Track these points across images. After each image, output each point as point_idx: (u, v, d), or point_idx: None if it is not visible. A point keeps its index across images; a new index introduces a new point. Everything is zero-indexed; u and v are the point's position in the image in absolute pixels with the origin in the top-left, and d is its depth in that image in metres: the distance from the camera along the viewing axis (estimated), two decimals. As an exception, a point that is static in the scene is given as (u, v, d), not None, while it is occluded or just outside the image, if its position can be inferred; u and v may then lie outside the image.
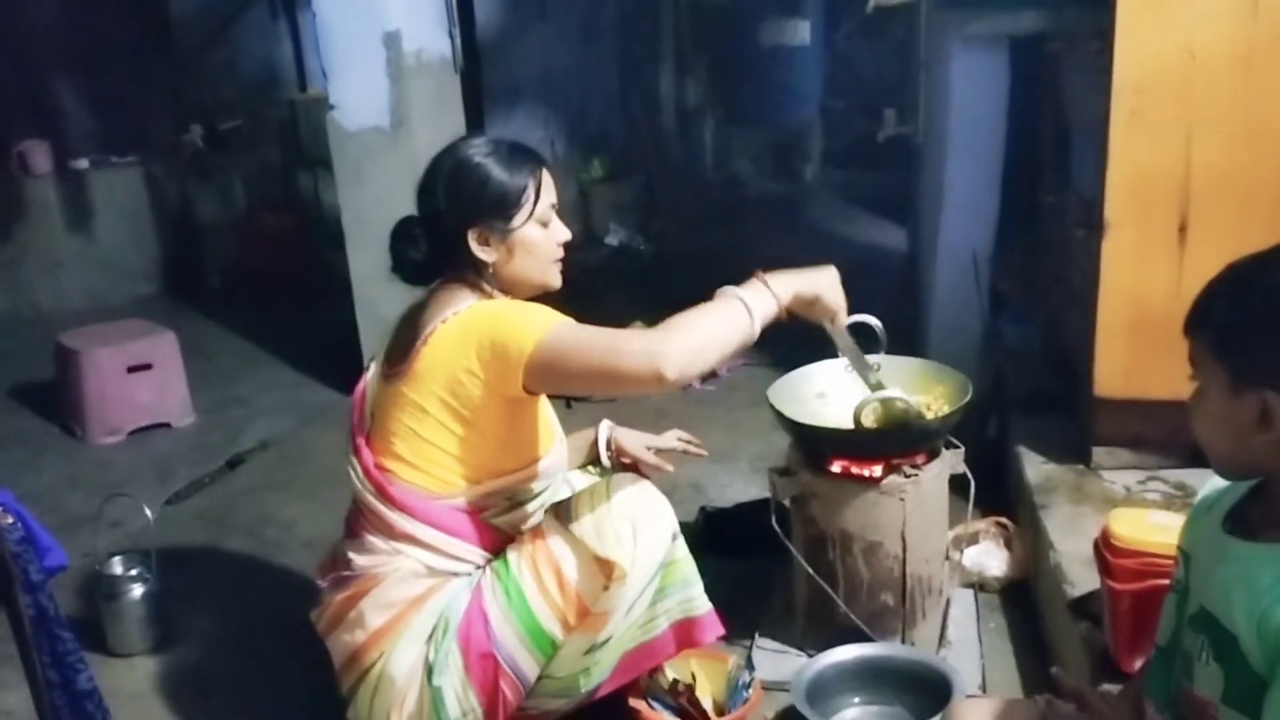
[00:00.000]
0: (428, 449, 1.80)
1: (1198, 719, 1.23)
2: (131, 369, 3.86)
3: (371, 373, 1.95)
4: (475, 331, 1.75)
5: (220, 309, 5.47)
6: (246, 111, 6.22)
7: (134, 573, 2.49)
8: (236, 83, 6.28)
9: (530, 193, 1.84)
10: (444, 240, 1.85)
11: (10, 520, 1.65)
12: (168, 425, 3.93)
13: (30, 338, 4.69)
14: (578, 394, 1.81)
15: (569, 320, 1.73)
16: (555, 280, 1.92)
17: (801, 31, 7.05)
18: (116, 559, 2.53)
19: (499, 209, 1.82)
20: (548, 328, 1.70)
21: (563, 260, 1.93)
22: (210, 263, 6.05)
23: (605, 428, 2.25)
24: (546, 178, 1.88)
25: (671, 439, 2.28)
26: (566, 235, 1.92)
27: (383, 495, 1.83)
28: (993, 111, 3.40)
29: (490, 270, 1.85)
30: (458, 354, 1.75)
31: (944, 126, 3.53)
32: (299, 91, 6.38)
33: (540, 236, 1.87)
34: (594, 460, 2.23)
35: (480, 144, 1.87)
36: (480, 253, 1.83)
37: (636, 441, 2.24)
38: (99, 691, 1.84)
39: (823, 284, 1.82)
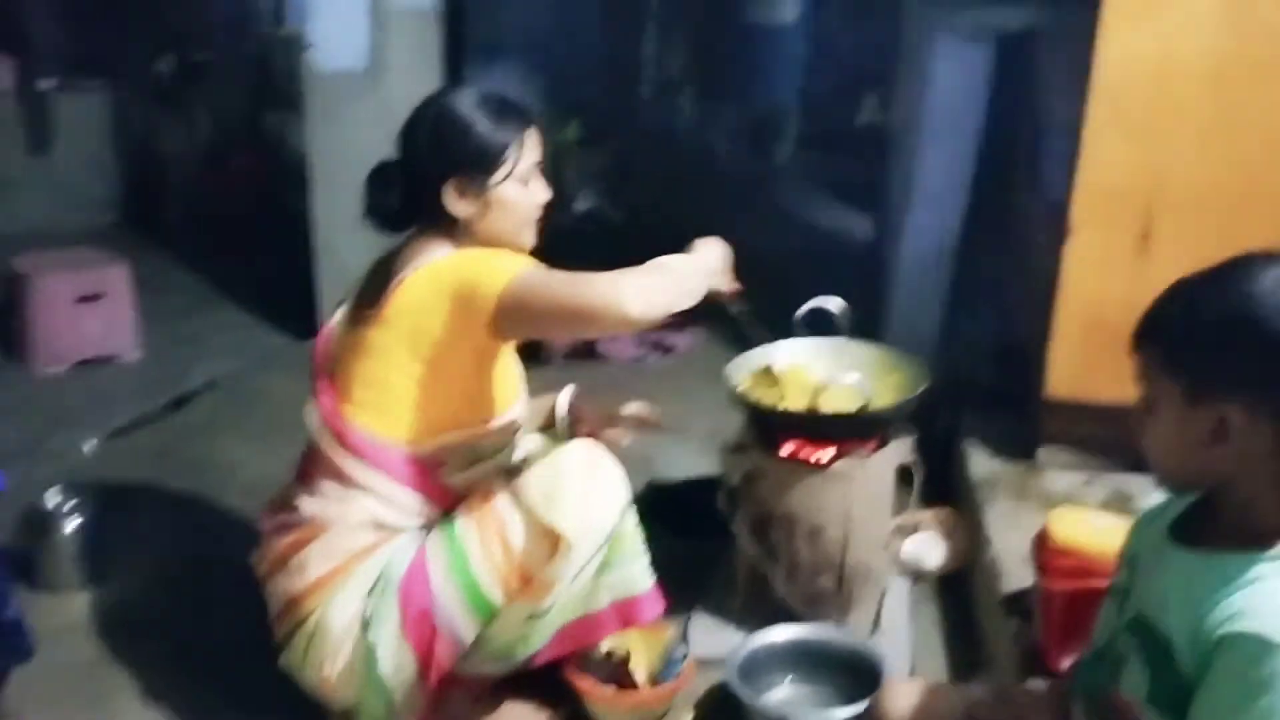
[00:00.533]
0: (391, 394, 1.79)
1: (1123, 718, 1.25)
2: (81, 299, 3.78)
3: (338, 317, 1.93)
4: (447, 276, 1.74)
5: (178, 243, 5.37)
6: (220, 45, 6.08)
7: (70, 506, 2.45)
8: (212, 14, 6.13)
9: (514, 149, 1.83)
10: (420, 188, 1.83)
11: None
12: (115, 358, 3.86)
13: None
14: (546, 337, 1.85)
15: (537, 263, 1.74)
16: (529, 240, 1.91)
17: (786, 10, 7.00)
18: (53, 491, 2.49)
19: (480, 163, 1.80)
20: (516, 270, 1.71)
21: (540, 221, 1.91)
22: (171, 196, 5.92)
23: (567, 393, 2.23)
24: (532, 135, 1.87)
25: (633, 408, 2.25)
26: (546, 195, 1.91)
27: (340, 439, 1.81)
28: (970, 106, 3.40)
29: (463, 224, 1.83)
30: (429, 299, 1.74)
31: (919, 118, 3.53)
32: (275, 28, 6.24)
33: (519, 195, 1.85)
34: (551, 424, 2.20)
35: (469, 94, 1.86)
36: (456, 206, 1.81)
37: (595, 411, 2.22)
38: (25, 624, 1.82)
39: (720, 256, 1.95)
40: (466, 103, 1.83)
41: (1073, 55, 2.52)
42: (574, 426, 2.20)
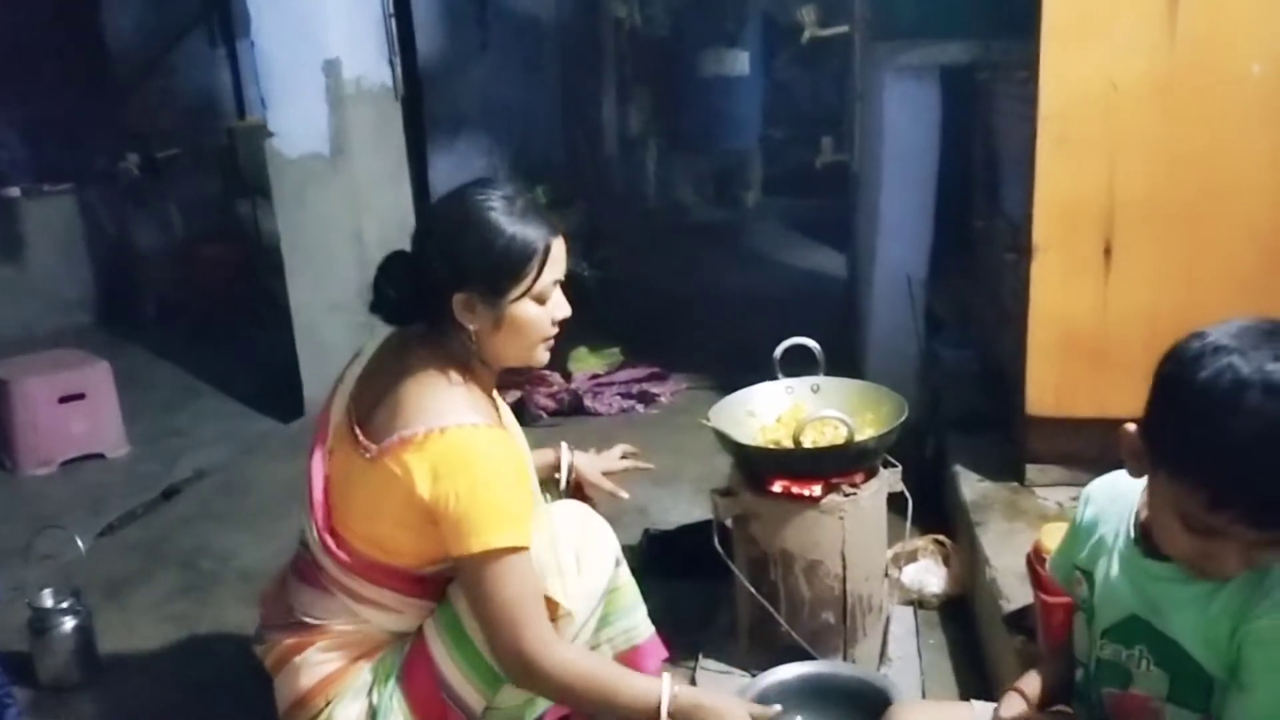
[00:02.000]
0: (388, 534, 1.72)
1: (1134, 717, 1.28)
2: (64, 399, 3.78)
3: (336, 419, 1.81)
4: (445, 482, 1.62)
5: (157, 339, 5.39)
6: (184, 139, 6.16)
7: (65, 605, 2.43)
8: (174, 110, 6.22)
9: (533, 265, 1.67)
10: (428, 293, 1.70)
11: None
12: (102, 456, 3.86)
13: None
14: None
15: (523, 556, 1.64)
16: (540, 359, 1.79)
17: (740, 62, 7.16)
18: (47, 592, 2.47)
19: (494, 278, 1.67)
20: (500, 541, 1.60)
21: (555, 339, 1.78)
22: (147, 292, 5.95)
23: (566, 454, 2.17)
24: (557, 249, 1.71)
25: (617, 455, 2.25)
26: (566, 312, 1.76)
27: (342, 562, 1.75)
28: (925, 139, 3.49)
29: (471, 335, 1.71)
30: (414, 493, 1.63)
31: (878, 154, 3.61)
32: (238, 119, 6.32)
33: (533, 315, 1.71)
34: (552, 484, 2.16)
35: (494, 199, 1.68)
36: (463, 319, 1.69)
37: (593, 468, 2.19)
38: (28, 726, 1.80)
39: (720, 706, 1.68)
40: (489, 208, 1.67)
41: (1018, 83, 2.60)
42: (574, 487, 2.20)
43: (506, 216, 1.67)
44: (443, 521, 1.62)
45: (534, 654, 1.62)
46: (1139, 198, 2.35)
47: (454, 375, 1.71)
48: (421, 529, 1.67)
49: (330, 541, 1.75)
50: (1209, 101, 2.29)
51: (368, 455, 1.68)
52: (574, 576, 1.74)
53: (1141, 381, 2.59)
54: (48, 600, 2.45)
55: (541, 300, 1.71)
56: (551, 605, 1.72)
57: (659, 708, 1.63)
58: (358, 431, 1.72)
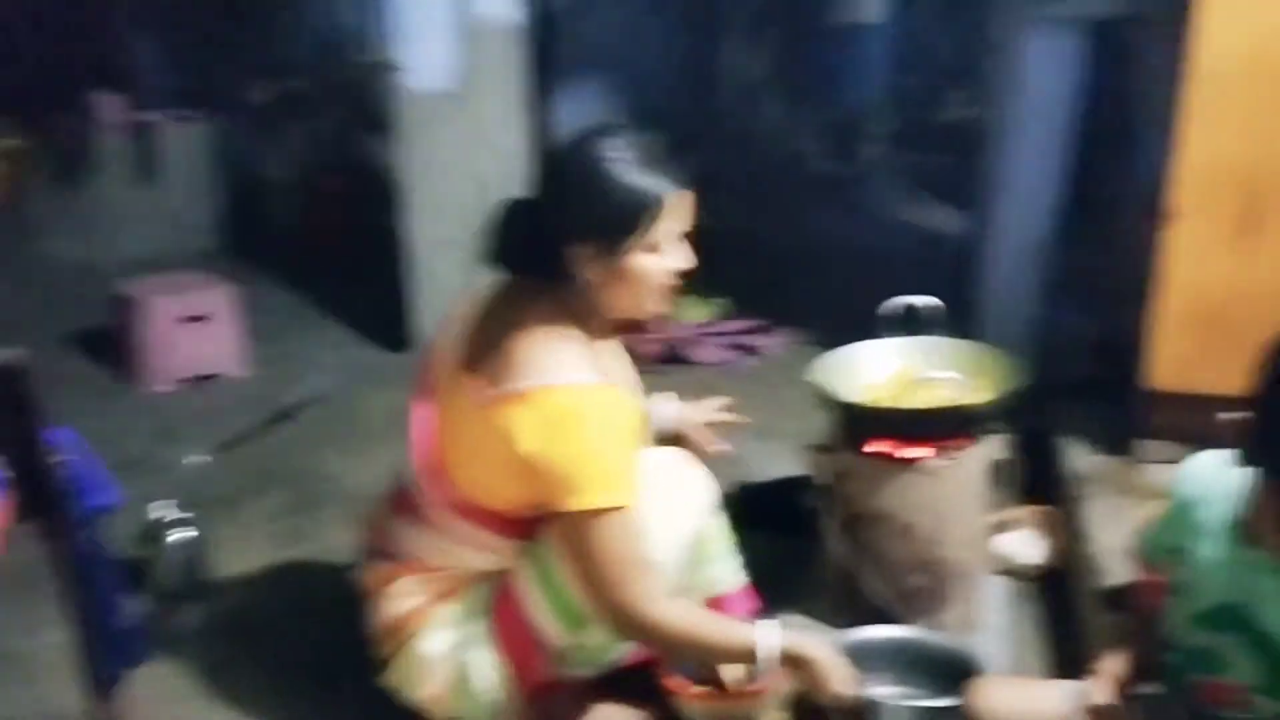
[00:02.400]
0: (488, 474, 1.73)
1: (1224, 705, 1.24)
2: (188, 319, 3.93)
3: (445, 360, 1.81)
4: (543, 443, 1.62)
5: (278, 266, 5.55)
6: (313, 72, 6.27)
7: (180, 517, 2.54)
8: (304, 43, 6.32)
9: (650, 218, 1.64)
10: (544, 243, 1.69)
11: (62, 458, 1.69)
12: (221, 376, 4.01)
13: (93, 287, 4.79)
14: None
15: (625, 514, 1.63)
16: (656, 309, 1.77)
17: (870, 8, 6.93)
18: (164, 503, 2.58)
19: (611, 231, 1.64)
20: (602, 500, 1.61)
21: (673, 290, 1.75)
22: (271, 220, 6.13)
23: (664, 403, 2.13)
24: (679, 201, 1.68)
25: (712, 405, 2.19)
26: (688, 264, 1.73)
27: (441, 496, 1.79)
28: (1065, 96, 3.33)
29: (584, 287, 1.70)
30: (528, 442, 1.63)
31: (1013, 110, 3.46)
32: (367, 54, 6.41)
33: (650, 266, 1.68)
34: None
35: (615, 148, 1.65)
36: (579, 271, 1.68)
37: (685, 416, 2.15)
38: (140, 629, 1.89)
39: (822, 656, 1.69)
40: (611, 159, 1.64)
41: (1169, 42, 2.45)
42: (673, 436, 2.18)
43: (626, 167, 1.64)
44: (545, 477, 1.63)
45: (635, 611, 1.64)
46: (1289, 167, 2.21)
47: (568, 328, 1.70)
48: (524, 479, 1.67)
49: (432, 481, 1.78)
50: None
51: (476, 402, 1.69)
52: (662, 524, 1.74)
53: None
54: (164, 511, 2.56)
55: (660, 250, 1.68)
56: None
57: (757, 655, 1.65)
58: (467, 377, 1.73)
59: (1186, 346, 2.34)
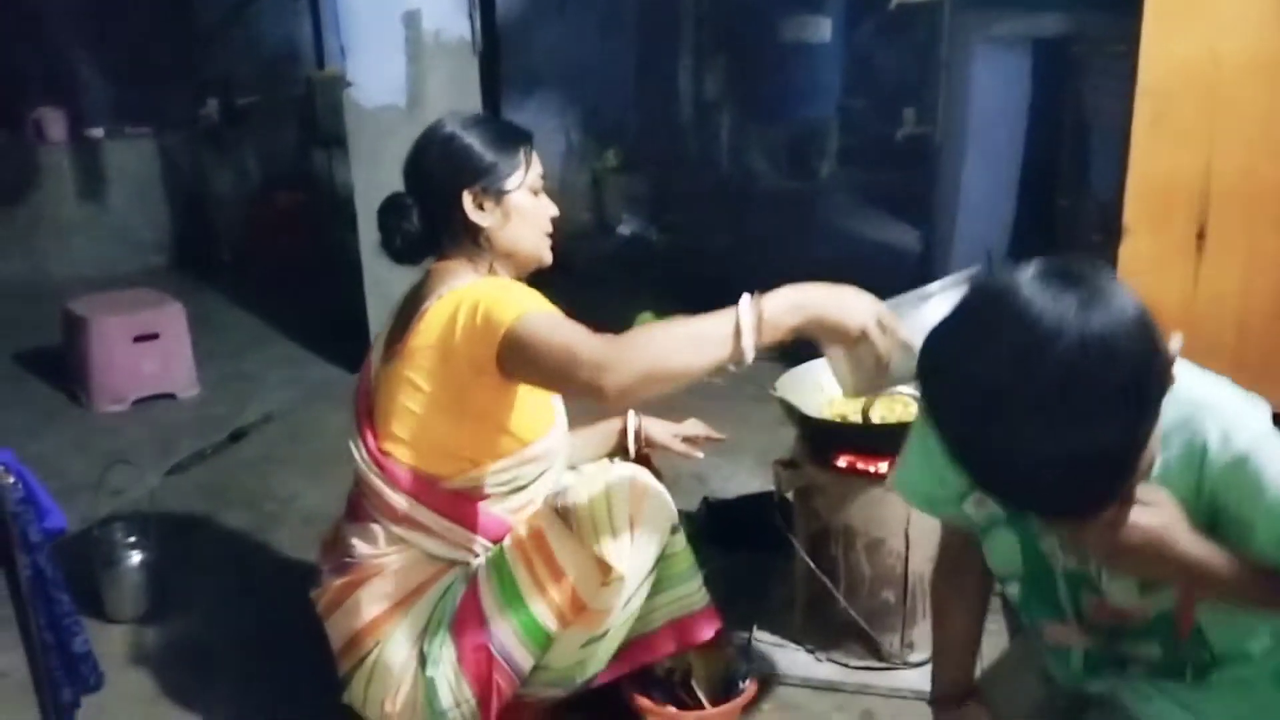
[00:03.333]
0: (426, 430, 1.78)
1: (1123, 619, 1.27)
2: (138, 338, 3.86)
3: (375, 353, 1.93)
4: (466, 304, 1.71)
5: (230, 284, 5.48)
6: (264, 87, 6.22)
7: (132, 540, 2.49)
8: (255, 58, 6.28)
9: (521, 158, 1.85)
10: (438, 208, 1.83)
11: (11, 480, 1.64)
12: (172, 396, 3.94)
13: (41, 305, 4.69)
14: (539, 386, 1.72)
15: (554, 311, 1.68)
16: (547, 255, 1.90)
17: (822, 28, 7.01)
18: (116, 525, 2.53)
19: (494, 171, 1.82)
20: (529, 308, 1.66)
21: (552, 238, 1.91)
22: (222, 237, 6.05)
23: (634, 417, 2.20)
24: (533, 154, 1.89)
25: (692, 427, 2.25)
26: (554, 210, 1.91)
27: (387, 476, 1.81)
28: (1013, 113, 3.39)
29: (485, 236, 1.83)
30: (448, 328, 1.72)
31: (963, 127, 3.52)
32: (317, 69, 6.37)
33: (533, 204, 1.86)
34: (621, 451, 2.18)
35: (467, 117, 1.88)
36: (476, 216, 1.81)
37: (664, 431, 2.21)
38: (94, 655, 1.84)
39: (832, 304, 1.57)
40: (468, 124, 1.85)
41: (1115, 58, 2.50)
42: (643, 449, 2.20)
43: (485, 126, 1.86)
44: (469, 332, 1.68)
45: (601, 359, 1.53)
46: (1236, 180, 2.27)
47: (479, 271, 1.83)
48: (463, 385, 1.72)
49: (376, 453, 1.81)
50: (1319, 82, 2.19)
51: (401, 350, 1.77)
52: (627, 540, 1.74)
53: (1229, 369, 2.50)
54: (116, 534, 2.50)
55: (535, 192, 1.87)
56: (603, 568, 1.73)
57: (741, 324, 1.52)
58: (393, 348, 1.81)
59: (1141, 359, 2.38)
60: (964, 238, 3.54)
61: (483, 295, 1.70)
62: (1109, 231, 2.41)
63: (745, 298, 1.55)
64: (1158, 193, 2.30)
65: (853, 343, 1.58)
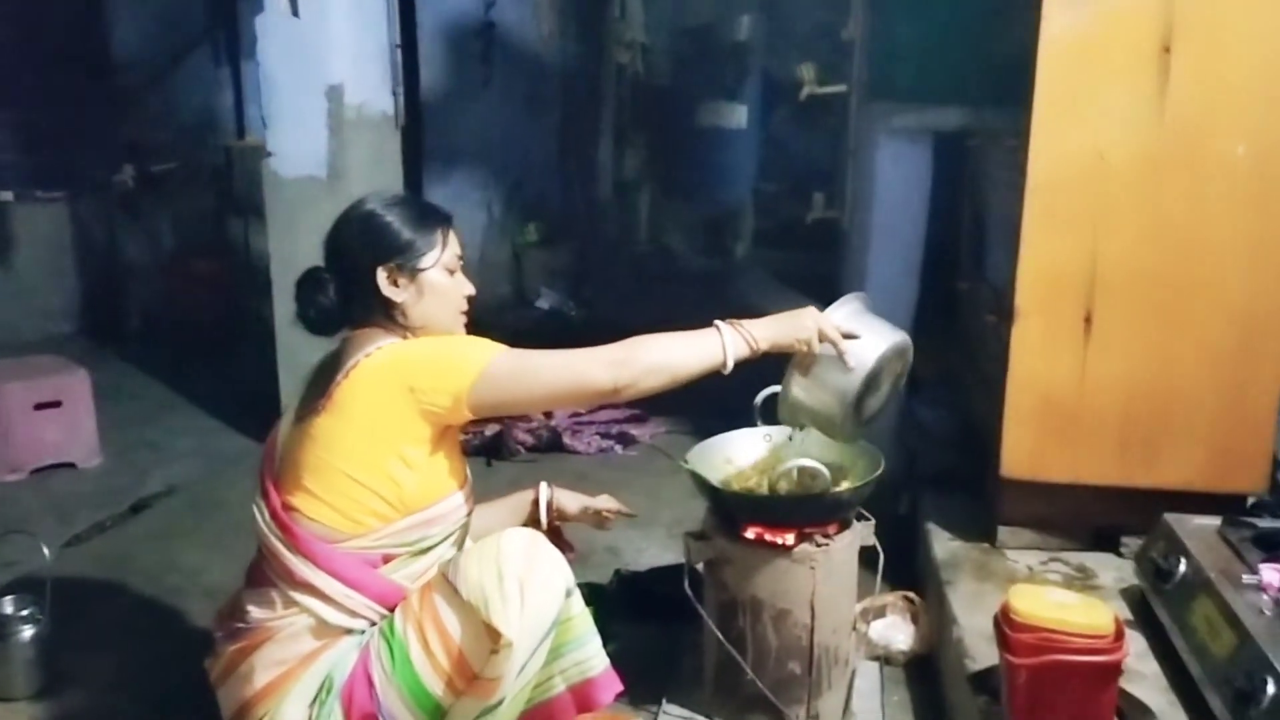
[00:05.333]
0: (338, 481, 1.79)
1: None
2: (39, 405, 3.76)
3: (284, 420, 1.94)
4: (412, 359, 1.80)
5: (139, 352, 5.38)
6: (181, 155, 6.18)
7: (25, 613, 2.41)
8: (173, 126, 6.24)
9: (439, 238, 1.90)
10: (353, 283, 1.88)
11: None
12: (74, 465, 3.83)
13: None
14: (524, 412, 1.93)
15: (506, 347, 1.80)
16: (459, 331, 1.96)
17: (738, 115, 7.22)
18: (8, 599, 2.45)
19: (409, 249, 1.87)
20: (491, 346, 1.79)
21: (467, 315, 1.97)
22: (133, 304, 5.95)
23: (545, 489, 2.25)
24: (452, 234, 1.95)
25: (604, 501, 2.30)
26: (471, 290, 1.97)
27: (287, 537, 1.80)
28: (915, 201, 3.54)
29: (399, 310, 1.88)
30: (388, 381, 1.76)
31: (869, 213, 3.66)
32: (236, 138, 6.35)
33: (448, 282, 1.92)
34: (533, 523, 2.20)
35: (389, 197, 1.94)
36: (390, 292, 1.86)
37: (576, 503, 2.26)
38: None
39: (801, 335, 1.94)
40: (388, 202, 1.91)
41: (1008, 151, 2.64)
42: (555, 521, 2.24)
43: (405, 206, 1.92)
44: (418, 386, 1.75)
45: (611, 358, 1.77)
46: (1121, 270, 2.39)
47: (392, 336, 1.88)
48: (391, 434, 1.78)
49: (279, 512, 1.82)
50: (1194, 180, 2.33)
51: (322, 406, 1.79)
52: (517, 606, 1.72)
53: (1115, 449, 2.63)
54: (8, 607, 2.43)
55: (450, 271, 1.92)
56: (493, 634, 1.72)
57: (750, 346, 1.88)
58: (304, 413, 1.84)
59: (1034, 437, 2.48)
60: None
61: (431, 350, 1.82)
62: (1003, 315, 2.52)
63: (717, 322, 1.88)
64: (1047, 279, 2.41)
65: (808, 359, 1.98)
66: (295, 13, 3.73)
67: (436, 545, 1.89)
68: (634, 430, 4.14)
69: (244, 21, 5.32)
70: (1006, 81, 2.59)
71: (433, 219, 1.92)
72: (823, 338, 1.96)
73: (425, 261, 1.88)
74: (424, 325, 1.90)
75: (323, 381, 1.84)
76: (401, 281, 1.87)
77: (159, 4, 6.21)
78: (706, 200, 7.54)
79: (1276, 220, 2.33)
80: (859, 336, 1.99)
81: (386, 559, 1.84)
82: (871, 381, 2.00)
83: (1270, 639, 1.71)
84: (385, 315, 1.88)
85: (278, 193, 3.92)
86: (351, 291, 1.89)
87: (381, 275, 1.85)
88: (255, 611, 1.84)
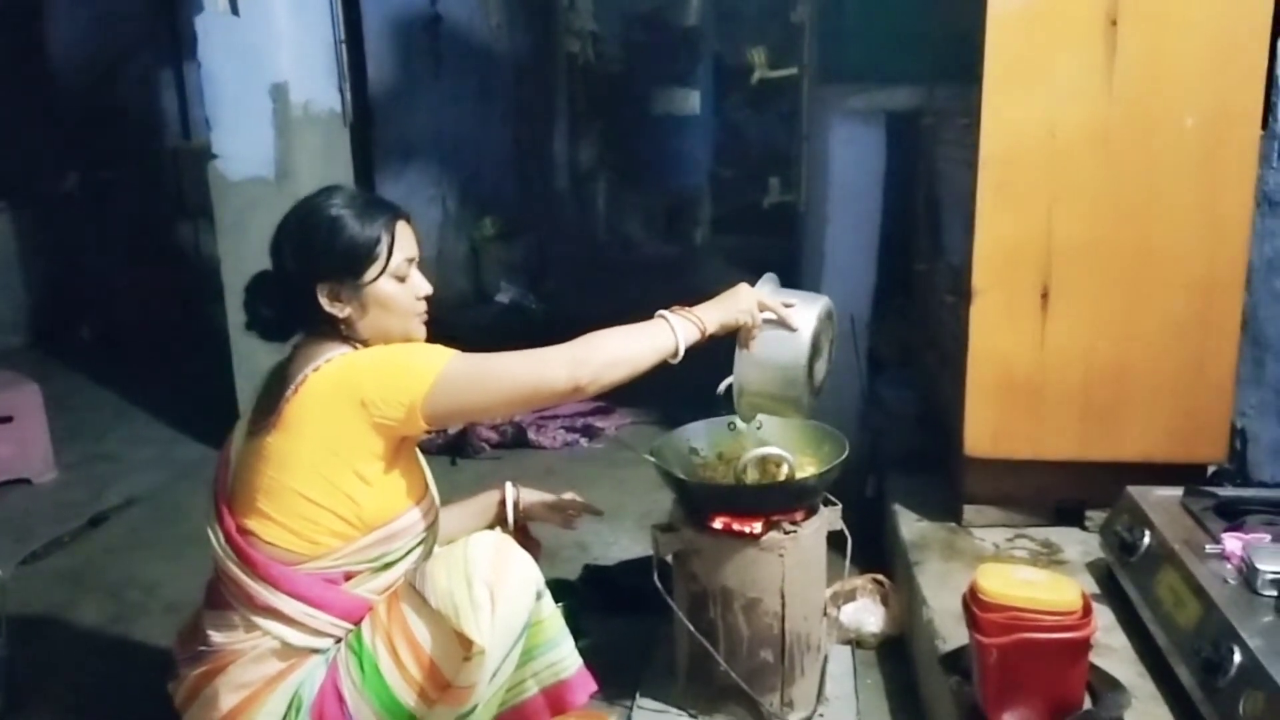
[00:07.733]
0: (297, 501, 1.73)
1: None
2: (-10, 421, 3.68)
3: (237, 433, 1.87)
4: (358, 373, 1.72)
5: (91, 362, 5.27)
6: (127, 160, 6.06)
7: (-17, 636, 2.36)
8: (117, 130, 6.12)
9: (383, 246, 1.78)
10: (295, 297, 1.79)
11: None
12: (28, 481, 3.75)
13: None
14: (483, 419, 1.88)
15: (458, 353, 1.76)
16: (417, 333, 1.87)
17: (691, 101, 7.22)
18: (-36, 621, 2.40)
19: (348, 264, 1.77)
20: (443, 352, 1.74)
21: (426, 314, 1.88)
22: (83, 314, 5.83)
23: (511, 489, 2.21)
24: (404, 230, 1.83)
25: (569, 499, 2.26)
26: (427, 289, 1.87)
27: (245, 561, 1.75)
28: (870, 182, 3.54)
29: (345, 324, 1.80)
30: (336, 397, 1.70)
31: (824, 195, 3.65)
32: (182, 141, 6.25)
33: (396, 291, 1.81)
34: (500, 523, 2.18)
35: (333, 196, 1.81)
36: (332, 309, 1.78)
37: (541, 501, 2.23)
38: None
39: (742, 309, 1.97)
40: (330, 205, 1.79)
41: (960, 129, 2.64)
42: (521, 520, 2.20)
43: (349, 209, 1.79)
44: (370, 399, 1.69)
45: (569, 357, 1.76)
46: (1076, 243, 2.40)
47: (343, 346, 1.81)
48: (347, 450, 1.72)
49: (235, 537, 1.77)
50: (1144, 151, 2.34)
51: (272, 424, 1.74)
52: (487, 611, 1.70)
53: (1077, 424, 2.63)
54: (-36, 630, 2.37)
55: (400, 278, 1.82)
56: (465, 642, 1.69)
57: (700, 329, 1.90)
58: (254, 428, 1.79)
59: (996, 415, 2.48)
60: (830, 301, 3.64)
61: (379, 363, 1.75)
62: (960, 293, 2.52)
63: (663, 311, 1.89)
64: (1003, 256, 2.42)
65: (752, 332, 2.00)
66: (235, 11, 3.66)
67: (400, 560, 1.84)
68: (599, 423, 4.12)
69: (184, 21, 5.22)
70: (957, 58, 2.59)
71: (377, 219, 1.79)
72: (762, 308, 1.99)
73: (368, 275, 1.78)
74: (373, 336, 1.82)
75: (272, 395, 1.78)
76: (345, 296, 1.78)
77: (98, 6, 6.09)
78: (663, 188, 7.54)
79: (1228, 190, 2.34)
80: (793, 305, 2.03)
81: (348, 576, 1.79)
82: (815, 343, 2.03)
83: (1234, 607, 1.72)
84: (332, 328, 1.81)
85: (225, 195, 3.85)
86: (294, 306, 1.81)
87: (321, 293, 1.77)
88: (216, 636, 1.79)
